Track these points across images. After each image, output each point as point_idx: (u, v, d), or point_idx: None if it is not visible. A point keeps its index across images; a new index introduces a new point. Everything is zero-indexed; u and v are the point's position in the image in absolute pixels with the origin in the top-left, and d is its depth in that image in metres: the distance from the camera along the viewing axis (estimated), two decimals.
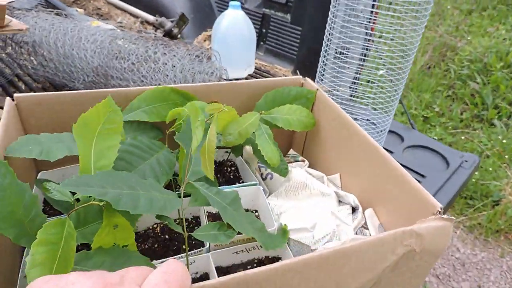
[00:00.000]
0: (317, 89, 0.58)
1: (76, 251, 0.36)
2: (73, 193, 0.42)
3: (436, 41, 2.81)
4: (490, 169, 1.96)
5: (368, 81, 0.89)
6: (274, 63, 1.43)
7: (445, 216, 0.37)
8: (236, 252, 0.49)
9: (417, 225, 0.36)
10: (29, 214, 0.36)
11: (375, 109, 0.88)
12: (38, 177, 0.54)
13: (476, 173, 1.93)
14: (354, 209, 0.50)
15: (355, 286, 0.37)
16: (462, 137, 2.15)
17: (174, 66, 0.99)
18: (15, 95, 0.49)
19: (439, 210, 0.38)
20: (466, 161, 1.04)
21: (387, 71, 0.76)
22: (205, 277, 0.49)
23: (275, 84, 0.59)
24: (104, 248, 0.38)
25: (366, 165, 0.49)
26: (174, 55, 1.01)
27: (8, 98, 0.49)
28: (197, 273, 0.49)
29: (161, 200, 0.37)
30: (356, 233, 0.45)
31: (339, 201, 0.51)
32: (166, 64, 0.99)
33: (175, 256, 0.47)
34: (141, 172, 0.43)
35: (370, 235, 0.46)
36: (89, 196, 0.40)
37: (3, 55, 1.39)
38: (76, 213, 0.39)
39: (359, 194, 0.51)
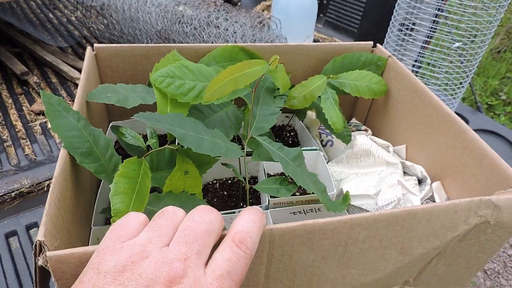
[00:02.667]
0: (389, 56, 0.56)
1: (149, 193, 0.38)
2: (145, 140, 0.44)
3: (511, 23, 2.58)
4: None
5: (433, 62, 0.84)
6: (333, 36, 1.39)
7: None
8: (294, 213, 0.50)
9: (495, 196, 0.34)
10: (105, 154, 0.38)
11: (445, 90, 0.83)
12: (111, 125, 0.57)
13: None
14: (420, 182, 0.48)
15: (420, 251, 0.36)
16: None
17: (235, 32, 0.99)
18: (95, 45, 0.52)
19: None
20: None
21: (465, 43, 0.71)
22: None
23: (345, 49, 0.57)
24: (174, 193, 0.40)
25: (438, 136, 0.47)
26: (236, 21, 1.01)
27: (88, 48, 0.51)
28: None
29: (223, 147, 0.38)
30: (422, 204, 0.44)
31: (404, 173, 0.49)
32: (227, 29, 0.99)
33: (234, 210, 0.49)
34: (212, 122, 0.44)
35: None
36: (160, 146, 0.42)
37: (73, 18, 1.47)
38: (150, 159, 0.41)
39: (426, 167, 0.49)
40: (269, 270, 0.33)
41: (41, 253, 0.27)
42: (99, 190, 0.46)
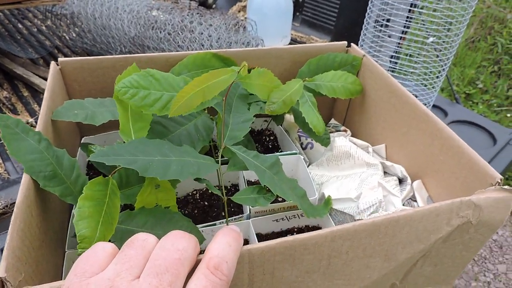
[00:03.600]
0: (364, 55, 0.55)
1: (120, 211, 0.37)
2: None
3: (483, 13, 2.63)
4: None
5: (410, 55, 0.85)
6: (310, 34, 1.39)
7: (506, 187, 0.34)
8: (276, 220, 0.49)
9: (475, 196, 0.34)
10: (70, 175, 0.37)
11: (424, 86, 0.83)
12: (82, 142, 0.55)
13: None
14: (400, 181, 0.48)
15: (404, 256, 0.35)
16: (508, 115, 2.03)
17: (210, 36, 0.97)
18: (60, 59, 0.50)
19: (499, 181, 0.36)
20: None
21: (439, 37, 0.71)
22: (244, 243, 0.49)
23: (319, 50, 0.56)
24: (146, 208, 0.38)
25: (416, 135, 0.46)
26: (210, 25, 0.99)
27: (52, 62, 0.49)
28: None
29: (194, 165, 0.37)
30: (403, 205, 0.43)
31: (385, 173, 0.49)
32: (202, 33, 0.98)
33: (215, 222, 0.47)
34: (177, 137, 0.43)
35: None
36: None
37: (43, 27, 1.42)
38: (119, 176, 0.40)
39: (406, 166, 0.49)
40: None
41: None
42: (72, 211, 0.44)
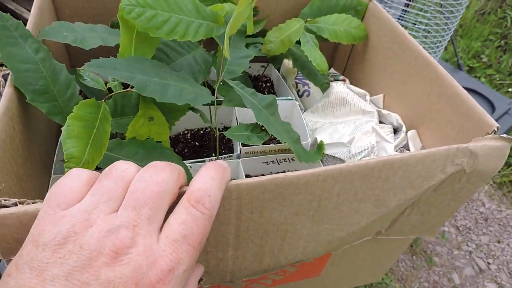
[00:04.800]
0: (370, 0, 0.53)
1: (112, 139, 0.36)
2: (107, 83, 0.41)
3: None
4: None
5: (421, 10, 0.81)
6: None
7: (504, 135, 0.33)
8: (267, 162, 0.48)
9: (472, 143, 0.33)
10: (64, 93, 0.35)
11: (425, 43, 0.81)
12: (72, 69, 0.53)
13: None
14: (395, 130, 0.47)
15: (394, 203, 0.35)
16: (509, 90, 2.01)
17: None
18: None
19: (495, 129, 0.35)
20: None
21: None
22: None
23: None
24: (138, 139, 0.37)
25: (416, 83, 0.45)
26: None
27: None
28: None
29: (191, 92, 0.35)
30: (396, 152, 0.43)
31: (380, 122, 0.48)
32: None
33: (204, 159, 0.47)
34: (179, 66, 0.41)
35: None
36: (124, 88, 0.39)
37: None
38: (114, 102, 0.38)
39: (403, 116, 0.48)
40: (238, 229, 0.31)
41: None
42: (60, 137, 0.43)
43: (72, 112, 0.31)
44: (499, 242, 1.67)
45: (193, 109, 0.40)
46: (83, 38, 0.43)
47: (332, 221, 0.35)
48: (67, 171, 0.31)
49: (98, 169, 0.30)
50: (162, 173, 0.23)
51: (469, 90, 0.99)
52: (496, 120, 0.92)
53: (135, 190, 0.22)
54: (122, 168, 0.23)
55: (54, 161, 0.41)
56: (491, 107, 0.95)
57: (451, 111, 0.40)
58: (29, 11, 1.09)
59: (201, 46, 0.46)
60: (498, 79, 2.11)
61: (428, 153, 0.32)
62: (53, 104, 0.34)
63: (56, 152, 0.41)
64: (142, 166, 0.34)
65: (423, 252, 1.29)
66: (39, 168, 0.38)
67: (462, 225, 1.73)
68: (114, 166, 0.23)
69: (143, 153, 0.37)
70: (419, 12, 0.79)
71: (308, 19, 0.51)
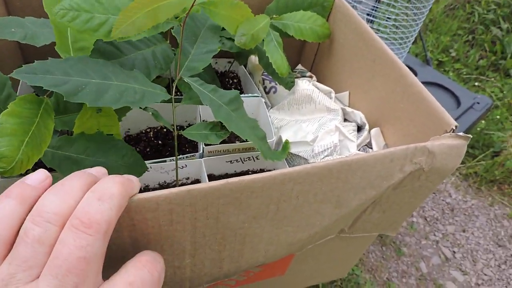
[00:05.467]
0: None
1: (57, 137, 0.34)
2: None
3: None
4: (498, 118, 1.92)
5: (389, 5, 0.82)
6: None
7: (461, 134, 0.34)
8: (230, 161, 0.47)
9: (430, 142, 0.33)
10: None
11: (395, 39, 0.81)
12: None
13: (483, 121, 1.89)
14: (359, 128, 0.47)
15: (355, 203, 0.35)
16: (476, 84, 2.08)
17: None
18: None
19: (453, 128, 0.35)
20: (478, 103, 0.99)
21: None
22: (196, 183, 0.48)
23: None
24: (87, 134, 0.35)
25: (380, 82, 0.45)
26: None
27: None
28: (188, 178, 0.47)
29: (138, 92, 0.33)
30: (359, 151, 0.43)
31: (345, 120, 0.48)
32: None
33: (165, 159, 0.45)
34: (131, 60, 0.39)
35: None
36: None
37: None
38: (55, 99, 0.36)
39: (367, 113, 0.48)
40: (194, 236, 0.30)
41: None
42: None
43: (7, 108, 0.29)
44: (464, 231, 1.73)
45: (146, 108, 0.38)
46: (34, 34, 0.41)
47: (293, 223, 0.34)
48: None
49: (40, 167, 0.28)
50: (86, 234, 0.20)
51: (435, 85, 1.01)
52: (461, 115, 0.94)
53: (57, 256, 0.20)
54: (40, 230, 0.20)
55: None
56: (457, 102, 0.97)
57: (412, 109, 0.40)
58: None
59: (167, 41, 0.44)
60: (465, 73, 2.17)
61: (386, 153, 0.32)
62: None
63: None
64: (95, 161, 0.32)
65: (393, 242, 1.32)
66: None
67: (429, 216, 1.78)
68: (31, 227, 0.20)
69: (94, 147, 0.35)
70: (387, 8, 0.79)
71: (274, 15, 0.50)
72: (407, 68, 0.41)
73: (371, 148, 0.44)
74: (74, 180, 0.22)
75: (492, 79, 2.16)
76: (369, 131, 0.45)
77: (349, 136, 0.42)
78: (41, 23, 0.43)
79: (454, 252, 1.49)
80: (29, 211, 0.21)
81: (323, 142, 0.42)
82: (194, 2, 0.37)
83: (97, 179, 0.24)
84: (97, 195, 0.22)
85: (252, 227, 0.32)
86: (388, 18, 0.79)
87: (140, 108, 0.38)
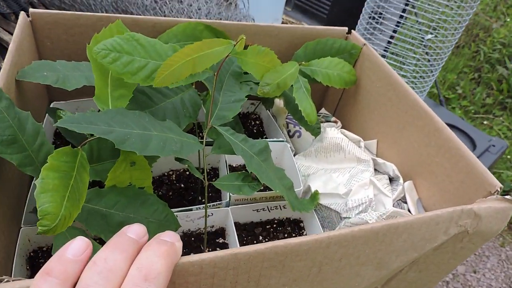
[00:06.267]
0: (364, 44, 0.52)
1: (89, 188, 0.32)
2: None
3: (471, 20, 2.66)
4: (508, 157, 1.91)
5: (401, 55, 0.83)
6: (301, 21, 1.35)
7: (508, 197, 0.32)
8: (257, 210, 0.46)
9: (476, 205, 0.32)
10: (33, 143, 0.32)
11: (413, 83, 0.82)
12: (50, 106, 0.50)
13: None
14: (391, 180, 0.45)
15: (396, 265, 0.33)
16: (484, 122, 2.08)
17: (200, 9, 0.92)
18: (31, 10, 0.44)
19: (498, 189, 0.34)
20: (493, 145, 0.99)
21: (435, 35, 0.69)
22: (221, 232, 0.46)
23: (318, 34, 0.53)
24: (118, 187, 0.34)
25: (412, 132, 0.44)
26: None
27: (22, 13, 0.43)
28: (213, 226, 0.46)
29: (177, 142, 0.33)
30: (393, 206, 0.41)
31: (375, 170, 0.47)
32: (191, 5, 0.92)
33: (191, 207, 0.44)
34: (161, 110, 0.38)
35: (409, 210, 0.42)
36: None
37: None
38: (89, 148, 0.35)
39: (397, 164, 0.46)
40: None
41: None
42: (32, 184, 0.40)
43: (47, 162, 0.28)
44: (475, 272, 1.68)
45: (180, 159, 0.38)
46: (66, 78, 0.40)
47: (332, 285, 0.33)
48: (41, 230, 0.27)
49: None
50: None
51: (450, 126, 1.01)
52: (478, 158, 0.93)
53: None
54: None
55: (25, 212, 0.37)
56: (472, 144, 0.97)
57: (449, 165, 0.39)
58: (6, 30, 1.05)
59: (193, 86, 0.44)
60: (473, 111, 2.18)
61: (433, 215, 0.31)
62: (23, 155, 0.31)
63: (26, 203, 0.38)
64: (124, 215, 0.31)
65: None
66: (7, 222, 0.34)
67: None
68: None
69: (125, 201, 0.34)
70: (407, 53, 0.80)
71: (303, 62, 0.50)
72: (442, 122, 0.40)
73: (405, 202, 0.42)
74: (117, 253, 0.21)
75: (500, 117, 2.16)
76: (402, 185, 0.43)
77: (384, 191, 0.41)
78: (72, 67, 0.43)
79: None
80: None
81: (357, 196, 0.40)
82: (229, 54, 0.37)
83: (140, 246, 0.23)
84: (143, 273, 0.20)
85: None
86: (409, 63, 0.80)
87: (176, 159, 0.38)
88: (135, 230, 0.24)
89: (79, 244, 0.21)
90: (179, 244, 0.24)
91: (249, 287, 0.28)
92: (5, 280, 0.22)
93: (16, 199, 0.37)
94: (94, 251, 0.22)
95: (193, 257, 0.24)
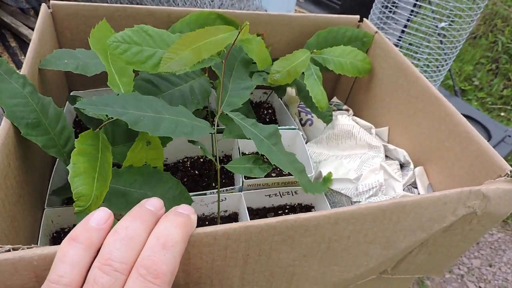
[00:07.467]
0: (376, 32, 0.52)
1: None
2: None
3: (488, 9, 2.60)
4: None
5: (415, 45, 0.82)
6: (314, 12, 1.34)
7: None
8: (269, 195, 0.47)
9: (485, 186, 0.32)
10: (55, 126, 0.34)
11: (426, 72, 0.81)
12: (70, 95, 0.52)
13: None
14: (402, 166, 0.46)
15: (405, 245, 0.34)
16: (501, 114, 2.04)
17: (213, 1, 0.93)
18: (52, 1, 0.46)
19: (508, 172, 0.34)
20: (509, 136, 0.97)
21: (450, 24, 0.69)
22: (234, 216, 0.47)
23: (330, 22, 0.53)
24: (135, 167, 0.36)
25: (423, 118, 0.44)
26: None
27: (43, 5, 0.45)
28: (226, 211, 0.47)
29: (188, 125, 0.34)
30: (404, 191, 0.42)
31: (386, 156, 0.47)
32: None
33: (205, 191, 0.45)
34: (168, 97, 0.40)
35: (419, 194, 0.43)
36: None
37: None
38: (105, 132, 0.37)
39: (408, 150, 0.47)
40: (244, 272, 0.30)
41: None
42: (54, 167, 0.42)
43: (75, 147, 0.30)
44: (490, 266, 1.67)
45: (193, 141, 0.39)
46: (85, 65, 0.42)
47: (341, 263, 0.34)
48: (77, 211, 0.29)
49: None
50: (157, 281, 0.21)
51: (465, 116, 1.00)
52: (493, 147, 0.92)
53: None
54: (113, 268, 0.21)
55: (48, 194, 0.39)
56: (488, 135, 0.96)
57: (460, 149, 0.39)
58: (25, 24, 1.08)
59: (206, 74, 0.45)
60: (490, 102, 2.14)
61: (440, 195, 0.31)
62: (47, 137, 0.33)
63: (49, 184, 0.40)
64: (141, 193, 0.33)
65: None
66: (32, 203, 0.36)
67: None
68: (101, 266, 0.21)
69: (141, 180, 0.36)
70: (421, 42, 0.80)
71: (314, 50, 0.50)
72: (453, 107, 0.41)
73: (416, 187, 0.43)
74: (138, 223, 0.23)
75: None
76: (413, 170, 0.44)
77: (395, 176, 0.42)
78: (90, 54, 0.45)
79: (480, 287, 1.43)
80: (95, 255, 0.21)
81: (367, 181, 0.41)
82: (235, 40, 0.38)
83: (157, 218, 0.24)
84: (161, 242, 0.22)
85: (301, 265, 0.32)
86: (422, 51, 0.79)
87: (189, 141, 0.39)
88: (153, 203, 0.25)
89: (101, 214, 0.23)
90: (194, 217, 0.26)
91: (260, 261, 0.30)
92: (35, 247, 0.23)
93: (40, 181, 0.39)
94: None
95: (207, 228, 0.26)
